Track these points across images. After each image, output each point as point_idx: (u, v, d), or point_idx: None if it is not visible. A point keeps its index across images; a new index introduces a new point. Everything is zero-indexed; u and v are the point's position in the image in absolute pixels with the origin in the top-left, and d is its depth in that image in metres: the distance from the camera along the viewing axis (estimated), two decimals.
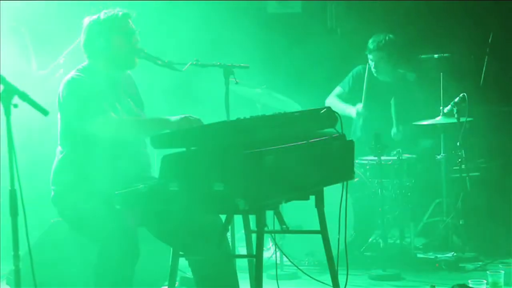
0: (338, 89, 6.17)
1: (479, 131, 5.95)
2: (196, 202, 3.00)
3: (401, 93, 5.89)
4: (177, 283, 3.45)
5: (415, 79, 6.07)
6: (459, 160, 5.53)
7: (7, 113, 2.78)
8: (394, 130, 5.82)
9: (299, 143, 3.20)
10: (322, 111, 3.40)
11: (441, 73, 5.61)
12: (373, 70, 5.97)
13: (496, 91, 6.54)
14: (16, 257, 2.81)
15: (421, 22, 6.86)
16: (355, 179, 5.37)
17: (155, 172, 3.48)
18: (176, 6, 6.39)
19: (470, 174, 5.65)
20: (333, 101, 6.09)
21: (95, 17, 3.84)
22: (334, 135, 3.47)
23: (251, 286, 3.69)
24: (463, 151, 5.51)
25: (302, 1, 7.28)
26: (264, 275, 3.97)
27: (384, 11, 6.88)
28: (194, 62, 3.93)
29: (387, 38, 5.91)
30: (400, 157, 5.49)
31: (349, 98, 6.07)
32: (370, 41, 5.95)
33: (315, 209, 3.49)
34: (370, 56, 5.96)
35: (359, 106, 5.91)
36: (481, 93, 6.33)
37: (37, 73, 5.54)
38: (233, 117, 3.34)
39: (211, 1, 6.70)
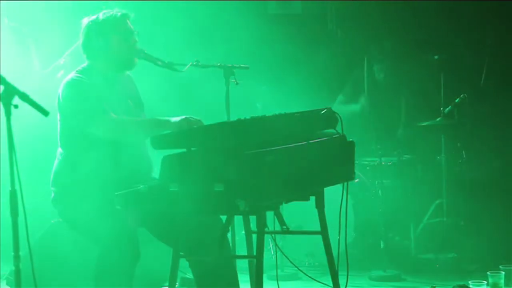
0: (341, 99, 6.13)
1: (479, 132, 5.95)
2: (197, 202, 3.00)
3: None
4: (177, 284, 3.45)
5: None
6: (460, 161, 5.53)
7: (7, 114, 2.77)
8: (401, 128, 5.82)
9: (299, 143, 3.20)
10: (322, 112, 3.40)
11: (441, 74, 5.61)
12: (383, 73, 5.94)
13: (496, 91, 6.54)
14: (17, 257, 2.81)
15: (421, 23, 6.85)
16: (356, 180, 5.37)
17: (156, 172, 3.47)
18: (176, 7, 6.38)
19: (471, 175, 5.65)
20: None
21: (94, 17, 3.83)
22: (334, 136, 3.47)
23: (251, 286, 3.68)
24: (463, 152, 5.51)
25: (302, 2, 7.28)
26: (265, 275, 3.98)
27: (384, 12, 6.87)
28: (195, 63, 3.93)
29: None
30: (401, 158, 5.48)
31: (353, 102, 6.07)
32: (389, 45, 5.86)
33: (316, 209, 3.49)
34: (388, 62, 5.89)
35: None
36: (481, 93, 6.33)
37: (40, 73, 5.54)
38: (233, 118, 3.34)
39: (211, 2, 6.70)
